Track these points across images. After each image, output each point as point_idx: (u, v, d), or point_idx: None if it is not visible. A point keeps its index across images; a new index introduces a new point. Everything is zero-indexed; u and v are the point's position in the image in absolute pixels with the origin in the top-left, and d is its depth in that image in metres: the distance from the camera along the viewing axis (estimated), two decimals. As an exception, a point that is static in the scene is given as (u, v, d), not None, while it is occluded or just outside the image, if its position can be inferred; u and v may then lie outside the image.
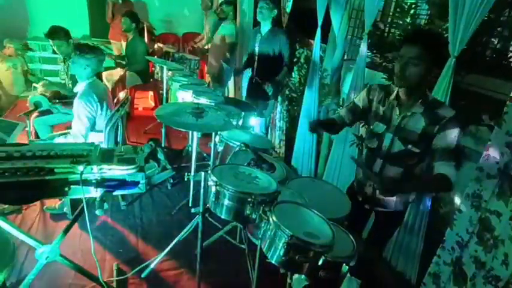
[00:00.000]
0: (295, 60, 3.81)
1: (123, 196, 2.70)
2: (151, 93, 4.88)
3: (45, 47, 4.75)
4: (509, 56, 2.23)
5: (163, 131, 3.51)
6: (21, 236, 1.60)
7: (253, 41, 3.24)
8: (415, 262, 2.20)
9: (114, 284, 2.01)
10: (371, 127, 1.67)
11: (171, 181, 3.09)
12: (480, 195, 1.76)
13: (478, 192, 1.77)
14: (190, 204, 2.59)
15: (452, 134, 1.41)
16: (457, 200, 1.98)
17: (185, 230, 2.07)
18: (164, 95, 3.33)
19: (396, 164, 1.58)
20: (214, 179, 1.24)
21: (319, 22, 2.88)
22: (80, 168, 1.39)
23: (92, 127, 2.31)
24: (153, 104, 4.93)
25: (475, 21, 1.64)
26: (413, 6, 2.36)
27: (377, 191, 1.65)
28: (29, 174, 1.34)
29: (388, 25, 2.95)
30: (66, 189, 1.42)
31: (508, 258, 1.61)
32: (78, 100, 2.20)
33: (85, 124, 2.22)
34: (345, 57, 3.00)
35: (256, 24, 3.33)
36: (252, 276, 1.66)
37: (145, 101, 5.03)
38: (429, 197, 2.10)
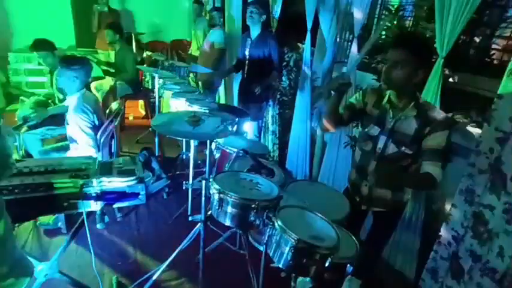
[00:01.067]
0: (284, 64, 3.85)
1: (118, 207, 2.67)
2: (141, 102, 4.84)
3: (30, 59, 4.66)
4: (491, 53, 2.32)
5: (156, 139, 3.49)
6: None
7: (243, 45, 3.27)
8: (413, 258, 2.24)
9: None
10: (366, 129, 1.71)
11: (167, 190, 3.07)
12: (473, 190, 1.82)
13: (470, 187, 1.83)
14: (189, 213, 2.58)
15: (442, 136, 1.46)
16: (451, 196, 2.03)
17: (187, 239, 2.06)
18: (156, 103, 3.31)
19: (390, 165, 1.62)
20: (217, 186, 1.25)
21: (309, 26, 2.92)
22: (80, 182, 1.38)
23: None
24: (143, 113, 4.90)
25: (461, 21, 1.70)
26: (400, 8, 2.42)
27: (373, 191, 1.72)
28: (27, 191, 1.31)
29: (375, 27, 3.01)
30: (66, 204, 1.40)
31: (503, 250, 1.66)
32: (73, 114, 2.17)
33: (90, 135, 2.20)
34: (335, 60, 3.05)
35: (245, 29, 3.36)
36: (257, 281, 1.66)
37: (135, 110, 4.99)
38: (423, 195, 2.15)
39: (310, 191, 1.77)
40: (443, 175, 1.60)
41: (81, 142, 2.22)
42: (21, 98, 3.15)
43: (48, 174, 1.40)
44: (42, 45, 2.83)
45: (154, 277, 2.06)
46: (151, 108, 4.43)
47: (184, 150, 3.29)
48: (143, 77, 4.64)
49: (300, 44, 3.84)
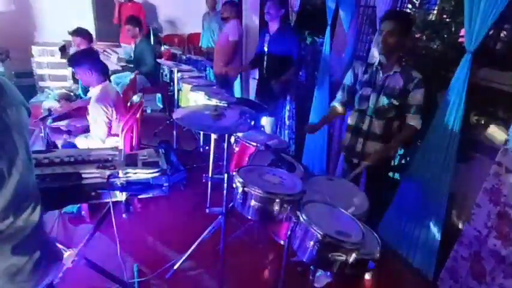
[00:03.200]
0: (302, 58, 3.82)
1: (139, 198, 2.73)
2: (159, 95, 4.91)
3: (53, 52, 4.78)
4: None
5: (174, 132, 3.54)
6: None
7: (261, 40, 3.25)
8: (432, 257, 2.21)
9: (136, 286, 2.04)
10: (360, 92, 2.06)
11: (184, 182, 3.11)
12: (499, 190, 1.77)
13: (496, 186, 1.79)
14: (207, 205, 2.61)
15: (420, 93, 1.88)
16: (474, 195, 1.99)
17: (207, 231, 2.09)
18: (175, 96, 3.35)
19: (381, 118, 1.99)
20: (242, 180, 1.26)
21: (329, 20, 2.88)
22: (107, 173, 1.42)
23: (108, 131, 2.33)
24: (161, 106, 4.96)
25: (492, 16, 1.64)
26: (424, 1, 2.36)
27: (366, 146, 2.06)
28: (57, 180, 1.36)
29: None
30: (93, 193, 1.44)
31: (529, 251, 1.62)
32: (94, 104, 2.23)
33: (103, 128, 2.25)
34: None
35: (262, 22, 3.34)
36: (276, 274, 1.68)
37: (153, 103, 5.06)
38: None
39: (329, 186, 1.77)
40: (465, 175, 1.76)
41: (92, 134, 2.28)
42: (46, 90, 3.24)
43: (77, 165, 1.45)
44: (80, 32, 2.97)
45: (175, 267, 2.10)
46: (169, 102, 4.49)
47: (201, 143, 3.32)
48: (161, 71, 4.69)
49: (317, 38, 3.80)
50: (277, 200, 1.22)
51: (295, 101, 3.76)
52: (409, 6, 2.48)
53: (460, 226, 2.18)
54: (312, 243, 1.09)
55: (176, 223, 2.67)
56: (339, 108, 2.19)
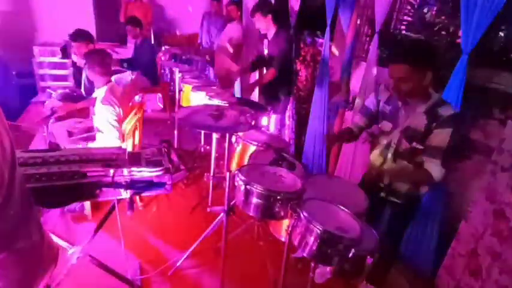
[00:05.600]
0: (301, 58, 3.85)
1: (140, 197, 2.76)
2: (159, 95, 4.93)
3: (54, 53, 4.80)
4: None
5: (175, 132, 3.57)
6: (54, 238, 1.66)
7: (261, 45, 3.29)
8: (430, 255, 2.25)
9: (139, 283, 2.07)
10: (380, 125, 1.78)
11: (185, 181, 3.15)
12: (494, 188, 1.81)
13: (492, 185, 1.83)
14: (209, 204, 2.65)
15: (445, 134, 1.49)
16: (470, 193, 2.03)
17: (209, 229, 2.12)
18: (176, 96, 3.38)
19: (405, 160, 1.68)
20: (244, 178, 1.29)
21: (328, 21, 2.92)
22: (111, 171, 1.45)
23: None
24: (161, 106, 4.99)
25: (488, 17, 1.68)
26: (422, 3, 2.40)
27: (392, 185, 1.77)
28: (63, 179, 1.40)
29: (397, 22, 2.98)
30: (98, 191, 1.48)
31: (524, 248, 1.66)
32: (101, 105, 2.26)
33: (116, 127, 2.28)
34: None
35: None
36: (277, 271, 1.71)
37: (153, 103, 5.08)
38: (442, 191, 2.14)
39: (329, 185, 1.80)
40: (462, 173, 1.67)
41: (107, 133, 2.31)
42: (48, 90, 3.27)
43: (82, 163, 1.48)
44: (81, 36, 2.97)
45: (177, 264, 2.14)
46: (169, 101, 4.52)
47: (202, 143, 3.36)
48: (162, 70, 4.72)
49: (317, 39, 3.83)
50: (278, 198, 1.25)
51: (295, 101, 3.80)
52: (408, 7, 2.51)
53: (457, 224, 2.22)
54: (312, 239, 1.13)
55: (178, 221, 2.70)
56: (356, 131, 1.89)
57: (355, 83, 2.97)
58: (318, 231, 1.10)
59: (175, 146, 3.69)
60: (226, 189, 1.61)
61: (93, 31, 5.76)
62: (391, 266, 2.06)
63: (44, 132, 2.79)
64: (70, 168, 1.43)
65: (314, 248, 1.12)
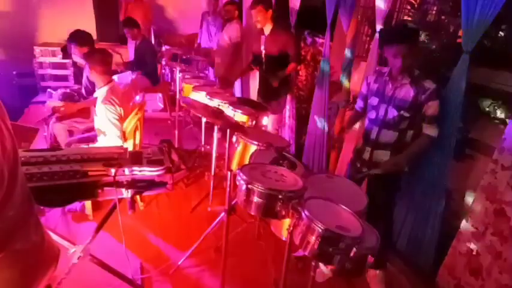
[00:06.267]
0: (301, 58, 3.85)
1: (141, 197, 2.76)
2: (159, 95, 4.94)
3: (54, 53, 4.81)
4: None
5: (176, 132, 3.58)
6: (55, 237, 1.66)
7: (258, 42, 3.28)
8: (430, 254, 2.25)
9: (140, 282, 2.08)
10: (368, 101, 2.09)
11: (185, 181, 3.15)
12: (495, 187, 1.81)
13: (492, 184, 1.83)
14: (210, 203, 2.65)
15: (435, 105, 1.86)
16: (472, 192, 2.03)
17: (210, 228, 2.13)
18: (177, 96, 3.38)
19: (391, 128, 1.97)
20: (245, 177, 1.30)
21: (329, 20, 2.92)
22: (113, 170, 1.45)
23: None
24: (161, 106, 4.99)
25: (488, 17, 1.68)
26: (423, 2, 2.40)
27: (373, 154, 2.06)
28: (65, 178, 1.40)
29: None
30: (100, 191, 1.48)
31: (525, 247, 1.66)
32: (102, 105, 2.26)
33: (117, 126, 2.28)
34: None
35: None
36: (277, 270, 1.72)
37: (153, 102, 5.09)
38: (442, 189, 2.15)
39: (329, 184, 1.80)
40: (462, 172, 1.76)
41: (109, 133, 2.31)
42: (49, 90, 3.27)
43: (84, 162, 1.48)
44: (79, 37, 2.94)
45: (179, 263, 2.14)
46: (170, 101, 4.53)
47: (203, 142, 3.36)
48: (162, 70, 4.73)
49: (317, 38, 3.84)
50: (280, 197, 1.25)
51: (295, 100, 3.80)
52: (408, 7, 2.52)
53: (458, 223, 2.22)
54: (313, 237, 1.13)
55: (179, 221, 2.70)
56: (360, 112, 2.22)
57: (356, 83, 2.98)
58: (319, 230, 1.11)
59: (176, 145, 3.69)
60: (227, 189, 1.61)
61: (93, 31, 5.77)
62: (387, 243, 2.16)
63: (44, 132, 2.79)
64: (71, 167, 1.43)
65: (315, 247, 1.13)
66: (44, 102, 3.20)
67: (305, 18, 3.62)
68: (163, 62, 4.25)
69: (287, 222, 1.45)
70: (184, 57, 4.43)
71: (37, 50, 4.76)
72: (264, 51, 3.20)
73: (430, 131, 1.90)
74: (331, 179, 1.96)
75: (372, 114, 2.05)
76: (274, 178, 1.37)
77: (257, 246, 2.41)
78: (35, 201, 0.99)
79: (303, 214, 1.18)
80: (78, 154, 1.51)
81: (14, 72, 5.13)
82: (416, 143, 1.95)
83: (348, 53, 2.89)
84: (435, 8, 2.53)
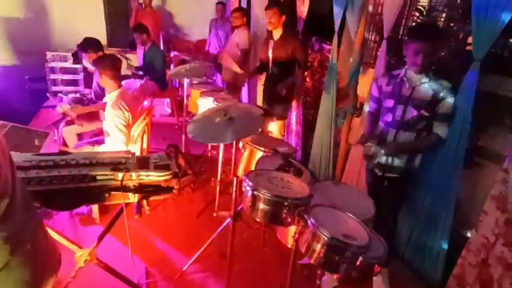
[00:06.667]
0: (308, 64, 3.86)
1: (148, 201, 2.78)
2: (167, 100, 4.99)
3: (66, 58, 4.91)
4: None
5: (183, 136, 3.60)
6: (62, 241, 1.68)
7: (265, 47, 3.31)
8: (439, 264, 2.21)
9: (145, 287, 2.08)
10: (383, 104, 2.08)
11: (192, 186, 3.16)
12: (506, 197, 1.78)
13: (503, 193, 1.79)
14: (216, 208, 2.65)
15: (450, 102, 1.86)
16: (481, 201, 1.99)
17: (215, 234, 2.12)
18: (184, 102, 3.42)
19: (408, 129, 1.97)
20: (251, 184, 1.30)
21: (336, 27, 2.93)
22: (120, 175, 1.47)
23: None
24: (169, 111, 5.04)
25: (499, 24, 1.66)
26: (431, 9, 2.39)
27: (389, 158, 2.04)
28: (74, 182, 1.42)
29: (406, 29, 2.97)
30: (107, 195, 1.49)
31: (537, 259, 1.62)
32: (110, 109, 2.30)
33: (123, 131, 2.31)
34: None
35: (268, 31, 3.39)
36: (282, 277, 1.70)
37: (161, 107, 5.14)
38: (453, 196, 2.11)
39: (335, 192, 1.79)
40: (472, 181, 1.90)
41: (114, 137, 2.34)
42: (60, 94, 3.33)
43: (92, 167, 1.50)
44: (89, 45, 3.01)
45: (183, 269, 2.14)
46: (177, 106, 4.57)
47: (209, 147, 3.38)
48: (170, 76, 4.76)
49: (324, 45, 3.84)
50: (285, 204, 1.25)
51: (302, 107, 3.80)
52: (416, 14, 2.51)
53: (468, 233, 2.17)
54: (319, 246, 1.12)
55: (185, 226, 2.71)
56: (374, 112, 2.20)
57: (363, 90, 2.97)
58: (326, 239, 1.10)
59: (183, 150, 3.71)
60: (233, 195, 1.61)
61: (104, 37, 5.90)
62: (392, 240, 2.27)
63: (55, 136, 2.84)
64: (80, 171, 1.45)
65: (321, 255, 1.11)
66: (54, 107, 3.26)
67: (312, 25, 3.63)
68: (172, 68, 4.30)
69: (293, 229, 1.44)
70: (192, 63, 4.48)
71: (49, 55, 4.86)
72: (271, 56, 3.22)
73: (440, 130, 1.91)
74: (338, 186, 1.95)
75: (388, 117, 2.03)
76: (281, 185, 1.37)
77: (262, 253, 2.40)
78: (44, 204, 1.01)
79: (308, 222, 1.17)
80: (86, 158, 1.53)
81: (26, 77, 5.25)
82: (421, 140, 1.98)
83: (355, 59, 2.88)
84: (444, 15, 2.52)
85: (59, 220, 2.56)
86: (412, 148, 2.04)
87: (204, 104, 2.82)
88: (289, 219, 1.28)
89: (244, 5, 4.91)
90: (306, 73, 3.85)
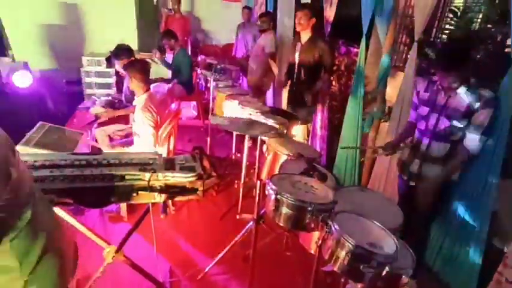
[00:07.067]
0: (335, 68, 3.80)
1: (173, 202, 2.84)
2: (193, 103, 5.10)
3: (100, 62, 5.15)
4: None
5: (208, 139, 3.66)
6: (92, 237, 1.76)
7: (293, 49, 3.29)
8: (473, 279, 2.09)
9: (168, 285, 2.12)
10: (418, 111, 2.00)
11: (216, 188, 3.20)
12: (548, 209, 1.65)
13: (545, 206, 1.67)
14: (239, 211, 2.66)
15: (487, 112, 1.71)
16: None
17: (239, 236, 2.13)
18: (210, 105, 3.48)
19: (442, 140, 1.87)
20: (275, 187, 1.29)
21: (365, 30, 2.86)
22: (147, 175, 1.51)
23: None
24: (195, 114, 5.15)
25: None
26: (466, 10, 2.28)
27: (423, 167, 1.96)
28: (104, 180, 1.48)
29: (438, 31, 2.86)
30: (134, 194, 1.54)
31: None
32: (140, 111, 2.39)
33: (152, 133, 2.40)
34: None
35: (296, 33, 3.38)
36: (306, 283, 1.68)
37: (187, 110, 5.26)
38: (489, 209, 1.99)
39: (362, 198, 1.74)
40: (508, 190, 1.79)
41: (144, 139, 2.43)
42: (93, 97, 3.50)
43: (122, 167, 1.56)
44: (122, 53, 3.17)
45: (206, 270, 2.16)
46: (203, 109, 4.65)
47: (234, 150, 3.41)
48: (197, 80, 4.88)
49: (351, 48, 3.77)
50: (309, 209, 1.23)
51: (327, 111, 3.74)
52: (450, 15, 2.40)
53: (504, 247, 2.04)
54: (343, 253, 1.09)
55: (208, 227, 2.74)
56: (413, 122, 2.11)
57: (391, 94, 2.87)
58: (350, 246, 1.07)
59: (208, 152, 3.77)
60: (256, 198, 1.61)
61: (135, 42, 6.15)
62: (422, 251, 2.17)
63: (88, 137, 2.98)
64: (110, 170, 1.51)
65: (345, 263, 1.09)
66: (88, 109, 3.43)
67: (339, 28, 3.58)
68: (198, 71, 4.40)
69: (316, 234, 1.42)
70: (218, 66, 4.56)
71: (84, 59, 5.13)
72: (297, 59, 3.21)
73: (472, 143, 1.77)
74: (364, 192, 1.90)
75: (422, 125, 1.96)
76: (304, 189, 1.35)
77: (285, 258, 2.38)
78: (76, 201, 1.05)
79: (332, 228, 1.14)
80: (116, 159, 1.59)
81: (64, 81, 5.57)
82: (457, 158, 1.85)
83: (384, 61, 2.80)
84: (480, 16, 2.39)
85: (90, 217, 2.68)
86: (446, 174, 1.91)
87: (230, 107, 2.86)
88: (312, 225, 1.26)
89: (270, 8, 4.93)
90: (332, 77, 3.80)
